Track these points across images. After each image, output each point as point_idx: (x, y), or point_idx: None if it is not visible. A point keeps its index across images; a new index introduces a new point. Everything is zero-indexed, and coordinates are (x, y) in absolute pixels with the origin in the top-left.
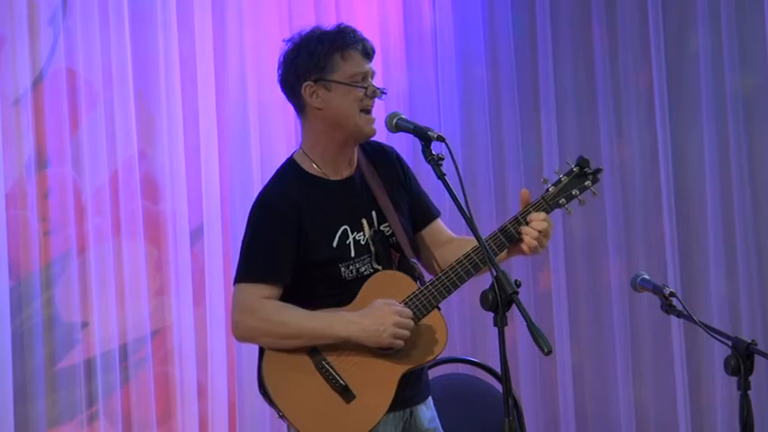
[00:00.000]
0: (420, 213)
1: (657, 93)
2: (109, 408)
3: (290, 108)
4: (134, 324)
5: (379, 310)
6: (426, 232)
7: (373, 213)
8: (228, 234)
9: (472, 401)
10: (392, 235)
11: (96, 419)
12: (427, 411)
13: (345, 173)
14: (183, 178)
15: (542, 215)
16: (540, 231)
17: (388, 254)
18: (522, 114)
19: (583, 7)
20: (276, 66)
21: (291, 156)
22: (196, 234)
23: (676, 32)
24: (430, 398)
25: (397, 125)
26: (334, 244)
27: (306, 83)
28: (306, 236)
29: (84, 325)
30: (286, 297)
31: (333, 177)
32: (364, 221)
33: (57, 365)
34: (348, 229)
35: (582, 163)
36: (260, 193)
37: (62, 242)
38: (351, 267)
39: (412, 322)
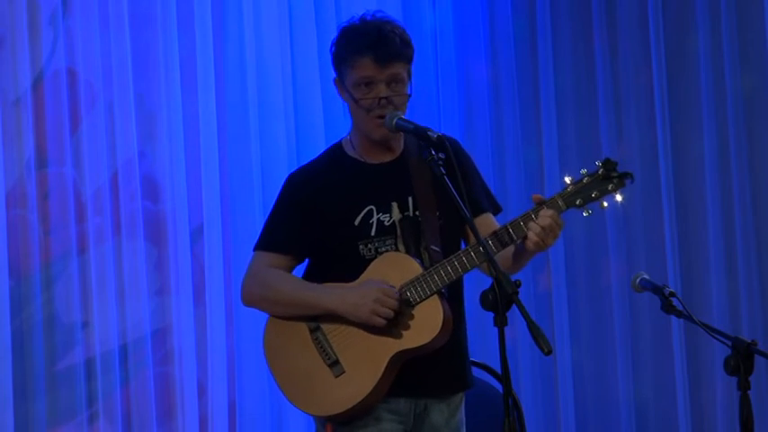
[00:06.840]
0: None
1: (657, 93)
2: (109, 408)
3: (291, 108)
4: (134, 324)
5: (364, 287)
6: None
7: (410, 199)
8: (228, 234)
9: (472, 401)
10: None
11: (96, 419)
12: (447, 410)
13: (385, 158)
14: (183, 178)
15: (550, 212)
16: (542, 227)
17: (417, 240)
18: (522, 114)
19: (583, 7)
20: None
21: (341, 138)
22: (196, 234)
23: (676, 32)
24: (461, 404)
25: (396, 125)
26: (356, 222)
27: (335, 77)
28: (325, 212)
29: (85, 325)
30: (310, 271)
31: (370, 161)
32: (394, 205)
33: (57, 365)
34: (374, 209)
35: (606, 164)
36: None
37: (62, 242)
38: (369, 246)
39: (395, 302)
